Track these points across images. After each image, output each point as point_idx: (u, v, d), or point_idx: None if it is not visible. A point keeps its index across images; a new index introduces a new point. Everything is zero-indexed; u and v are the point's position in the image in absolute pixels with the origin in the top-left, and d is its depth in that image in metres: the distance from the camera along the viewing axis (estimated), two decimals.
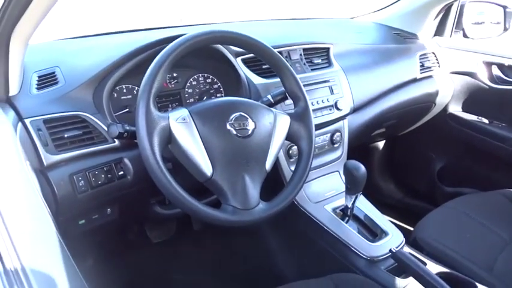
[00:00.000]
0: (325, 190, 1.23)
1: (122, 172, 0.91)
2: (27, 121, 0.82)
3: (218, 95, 1.16)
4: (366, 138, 1.62)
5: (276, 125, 0.91)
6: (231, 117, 0.85)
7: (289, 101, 1.04)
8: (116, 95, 1.00)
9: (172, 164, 0.87)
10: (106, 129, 0.90)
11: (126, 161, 0.92)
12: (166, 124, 0.80)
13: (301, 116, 0.96)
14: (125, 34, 1.21)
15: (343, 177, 1.26)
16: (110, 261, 1.29)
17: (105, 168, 0.89)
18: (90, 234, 0.99)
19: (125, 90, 1.01)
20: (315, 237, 1.15)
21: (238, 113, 0.86)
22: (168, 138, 0.80)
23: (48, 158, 0.82)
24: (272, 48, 0.94)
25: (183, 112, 0.83)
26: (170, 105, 1.08)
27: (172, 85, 1.09)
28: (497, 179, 1.53)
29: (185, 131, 0.81)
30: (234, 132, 0.85)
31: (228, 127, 0.85)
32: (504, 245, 1.12)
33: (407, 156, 1.88)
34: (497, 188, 1.34)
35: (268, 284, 0.98)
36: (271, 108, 0.94)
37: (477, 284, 0.95)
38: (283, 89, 1.01)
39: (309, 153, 0.95)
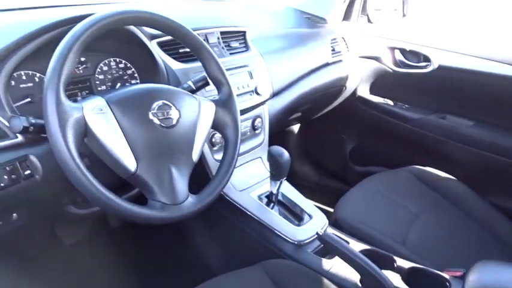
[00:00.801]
0: (249, 177, 1.22)
1: (28, 171, 0.80)
2: None
3: (133, 82, 1.08)
4: (284, 123, 1.65)
5: (200, 112, 0.87)
6: (154, 106, 0.80)
7: (210, 87, 1.01)
8: (13, 82, 0.87)
9: (89, 160, 0.79)
10: (6, 123, 0.79)
11: (33, 158, 0.81)
12: (80, 115, 0.72)
13: (225, 102, 0.93)
14: (24, 11, 1.06)
15: (266, 163, 1.27)
16: (24, 270, 1.16)
17: (7, 168, 0.78)
18: None
19: (24, 77, 0.89)
20: (241, 226, 1.15)
21: (161, 101, 0.80)
22: (84, 131, 0.72)
23: None
24: (191, 30, 0.90)
25: (100, 101, 0.75)
26: (80, 94, 0.98)
27: (81, 71, 0.99)
28: (402, 156, 1.65)
29: (103, 123, 0.74)
30: (158, 122, 0.79)
31: (151, 117, 0.79)
32: (413, 218, 1.22)
33: (321, 139, 1.95)
34: (403, 166, 1.45)
35: (197, 278, 0.95)
36: (195, 95, 0.90)
37: (394, 257, 1.02)
38: (204, 74, 0.97)
39: (235, 142, 0.93)
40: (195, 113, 0.86)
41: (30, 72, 0.90)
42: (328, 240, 1.00)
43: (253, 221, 1.12)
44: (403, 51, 1.63)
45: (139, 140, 0.77)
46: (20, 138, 0.80)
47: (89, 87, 1.00)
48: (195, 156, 0.85)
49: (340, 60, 1.62)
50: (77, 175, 0.68)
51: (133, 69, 1.08)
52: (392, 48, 1.64)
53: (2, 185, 0.77)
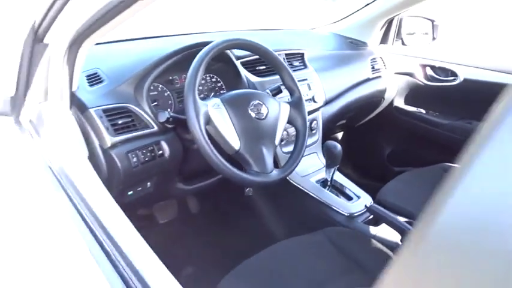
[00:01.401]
0: (308, 167, 1.53)
1: (160, 151, 1.15)
2: (91, 110, 1.04)
3: (222, 92, 1.43)
4: (332, 128, 1.96)
5: (280, 110, 1.20)
6: (251, 104, 1.13)
7: (280, 95, 1.34)
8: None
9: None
10: (147, 118, 1.14)
11: (163, 143, 1.16)
12: (206, 110, 1.06)
13: (296, 103, 1.25)
14: (151, 40, 1.44)
15: (320, 156, 1.58)
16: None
17: (149, 148, 1.13)
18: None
19: (152, 87, 1.25)
20: (303, 203, 1.45)
21: (256, 101, 1.14)
22: (207, 120, 1.06)
23: (110, 139, 1.05)
24: (274, 53, 1.24)
25: (217, 100, 1.09)
26: None
27: None
28: (434, 157, 1.92)
29: (219, 115, 1.08)
30: (253, 115, 1.12)
31: (249, 111, 1.12)
32: None
33: (362, 144, 2.25)
34: (435, 165, 1.72)
35: (264, 246, 1.24)
36: (275, 98, 1.23)
37: None
38: (277, 85, 1.31)
39: (304, 132, 1.24)
40: (277, 110, 1.18)
41: (155, 84, 1.26)
42: (375, 210, 1.30)
43: (313, 199, 1.42)
44: (433, 67, 1.92)
45: (241, 127, 1.10)
46: (155, 128, 1.15)
47: None
48: (276, 141, 1.17)
49: (379, 76, 1.93)
50: (207, 150, 1.01)
51: (221, 83, 1.43)
52: (424, 66, 1.94)
53: (146, 159, 1.12)
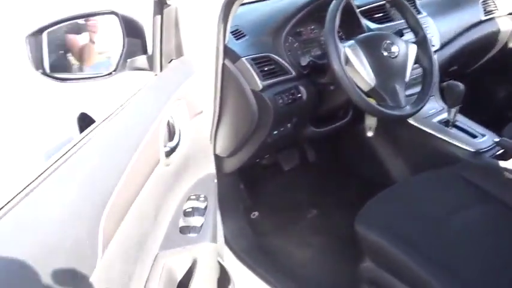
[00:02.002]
0: (427, 110, 1.59)
1: (299, 95, 1.29)
2: (243, 59, 1.20)
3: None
4: (443, 75, 1.97)
5: (408, 49, 1.27)
6: (383, 44, 1.22)
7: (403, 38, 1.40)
8: None
9: None
10: (286, 65, 1.28)
11: (300, 87, 1.30)
12: (343, 50, 1.17)
13: (422, 43, 1.31)
14: None
15: (438, 100, 1.63)
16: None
17: (291, 92, 1.27)
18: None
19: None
20: (425, 143, 1.52)
21: (387, 41, 1.23)
22: (345, 60, 1.17)
23: (261, 83, 1.21)
24: None
25: (352, 42, 1.20)
26: (312, 49, 1.45)
27: (312, 34, 1.46)
28: None
29: (356, 55, 1.18)
30: (386, 54, 1.21)
31: (382, 51, 1.21)
32: None
33: (474, 91, 2.22)
34: None
35: (382, 184, 1.31)
36: (402, 39, 1.30)
37: None
38: (398, 29, 1.38)
39: (431, 70, 1.31)
40: (406, 49, 1.26)
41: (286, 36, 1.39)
42: (506, 143, 1.33)
43: (436, 138, 1.48)
44: None
45: (376, 65, 1.19)
46: (293, 73, 1.29)
47: (317, 44, 1.46)
48: (407, 78, 1.25)
49: (492, 18, 1.89)
50: (348, 85, 1.13)
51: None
52: None
53: (289, 101, 1.26)
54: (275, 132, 1.31)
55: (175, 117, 0.95)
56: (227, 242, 1.41)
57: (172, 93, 0.96)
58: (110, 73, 1.00)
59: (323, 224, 1.71)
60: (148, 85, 0.99)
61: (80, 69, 1.05)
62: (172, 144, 0.93)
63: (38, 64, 0.93)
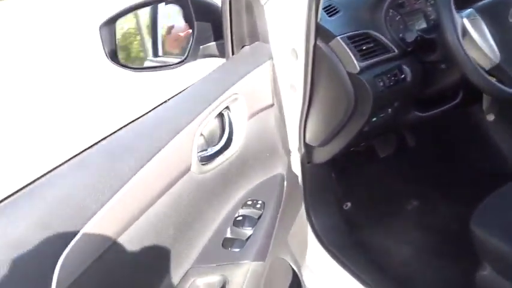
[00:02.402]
0: None
1: (403, 75, 1.12)
2: (338, 38, 1.07)
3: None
4: None
5: None
6: (510, 12, 1.01)
7: None
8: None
9: None
10: (387, 41, 1.11)
11: (404, 66, 1.13)
12: (461, 22, 0.98)
13: None
14: None
15: None
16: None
17: (393, 72, 1.11)
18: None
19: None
20: None
21: None
22: (462, 34, 0.99)
23: (359, 65, 1.06)
24: None
25: (471, 11, 1.01)
26: (416, 23, 1.26)
27: (416, 5, 1.27)
28: None
29: (476, 26, 0.99)
30: None
31: (510, 19, 1.00)
32: None
33: None
34: None
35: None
36: None
37: None
38: None
39: None
40: None
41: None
42: None
43: None
44: None
45: (501, 37, 0.99)
46: (396, 51, 1.12)
47: (422, 16, 1.27)
48: None
49: None
50: (465, 61, 0.95)
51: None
52: None
53: (391, 84, 1.10)
54: (374, 119, 1.16)
55: (232, 113, 0.86)
56: (318, 237, 1.31)
57: (229, 85, 0.86)
58: (182, 61, 0.95)
59: (426, 218, 1.53)
60: (206, 75, 0.90)
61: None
62: (219, 145, 0.84)
63: (112, 54, 0.90)
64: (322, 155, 1.29)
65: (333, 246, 1.32)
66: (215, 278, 0.76)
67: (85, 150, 0.66)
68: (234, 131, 0.85)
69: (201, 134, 0.78)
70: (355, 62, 1.06)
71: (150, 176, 0.65)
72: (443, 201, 1.55)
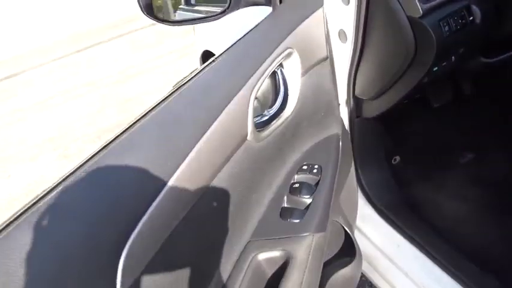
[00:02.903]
0: None
1: (471, 17, 0.98)
2: None
3: None
4: None
5: None
6: None
7: None
8: None
9: None
10: None
11: (474, 7, 0.98)
12: None
13: None
14: None
15: None
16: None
17: (460, 14, 0.97)
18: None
19: None
20: None
21: None
22: None
23: (421, 7, 0.93)
24: None
25: None
26: None
27: None
28: None
29: None
30: None
31: None
32: None
33: None
34: None
35: None
36: None
37: None
38: None
39: None
40: None
41: None
42: None
43: None
44: None
45: None
46: None
47: None
48: None
49: None
50: None
51: None
52: None
53: (458, 27, 0.97)
54: (435, 69, 1.03)
55: (285, 70, 0.76)
56: (366, 195, 1.24)
57: (281, 39, 0.76)
58: (224, 11, 0.85)
59: (482, 171, 1.43)
60: (256, 27, 0.79)
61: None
62: (275, 108, 0.76)
63: (148, 9, 0.81)
64: (372, 109, 1.18)
65: (382, 204, 1.25)
66: (277, 253, 0.71)
67: (132, 125, 0.59)
68: (289, 90, 0.77)
69: (256, 98, 0.70)
70: (418, 3, 0.92)
71: (207, 149, 0.59)
72: (501, 153, 1.44)
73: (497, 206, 1.29)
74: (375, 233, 1.21)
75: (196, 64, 1.90)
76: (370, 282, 1.44)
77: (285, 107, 0.77)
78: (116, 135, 0.57)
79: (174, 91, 0.66)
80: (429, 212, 1.32)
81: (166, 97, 0.65)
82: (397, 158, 1.46)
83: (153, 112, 0.61)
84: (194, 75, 0.72)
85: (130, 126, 0.60)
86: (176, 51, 4.55)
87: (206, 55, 1.72)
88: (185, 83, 0.67)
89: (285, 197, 0.79)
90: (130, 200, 0.51)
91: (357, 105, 1.13)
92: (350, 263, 0.93)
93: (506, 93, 1.52)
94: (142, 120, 0.61)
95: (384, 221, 1.20)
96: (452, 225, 1.28)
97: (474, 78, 1.53)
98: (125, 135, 0.57)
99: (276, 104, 0.77)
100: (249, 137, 0.69)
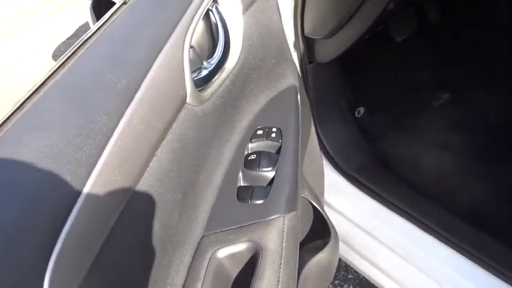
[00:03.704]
0: None
1: None
2: None
3: None
4: None
5: None
6: None
7: None
8: None
9: None
10: None
11: None
12: None
13: None
14: None
15: None
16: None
17: None
18: None
19: None
20: None
21: None
22: None
23: None
24: None
25: None
26: None
27: None
28: None
29: None
30: None
31: None
32: None
33: None
34: None
35: None
36: None
37: None
38: None
39: None
40: None
41: None
42: None
43: None
44: None
45: None
46: None
47: None
48: None
49: None
50: None
51: None
52: None
53: None
54: None
55: (221, 7, 0.75)
56: (328, 158, 1.26)
57: None
58: None
59: (460, 114, 1.50)
60: None
61: None
62: (216, 57, 0.74)
63: None
64: (327, 51, 1.17)
65: (351, 168, 1.26)
66: (242, 246, 0.68)
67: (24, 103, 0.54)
68: (229, 33, 0.74)
69: (191, 47, 0.66)
70: None
71: (136, 123, 0.55)
72: (479, 89, 1.51)
73: (485, 154, 1.35)
74: (347, 205, 1.22)
75: (86, 18, 1.79)
76: (346, 264, 1.50)
77: (227, 55, 0.74)
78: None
79: (77, 48, 0.61)
80: (408, 170, 1.35)
81: (68, 58, 0.60)
82: (361, 109, 1.49)
83: (49, 84, 0.56)
84: (99, 28, 0.68)
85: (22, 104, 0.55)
86: (49, 3, 4.28)
87: (99, 3, 1.63)
88: (88, 37, 0.62)
89: (240, 174, 0.76)
90: (45, 202, 0.47)
91: (308, 47, 1.11)
92: (324, 246, 0.93)
93: (476, 14, 1.59)
94: (35, 97, 0.56)
95: (356, 189, 1.20)
96: (436, 182, 1.32)
97: (439, 1, 1.59)
98: (18, 115, 0.52)
99: (216, 54, 0.74)
100: (188, 99, 0.65)
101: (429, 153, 1.39)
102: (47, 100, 0.55)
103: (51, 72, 0.57)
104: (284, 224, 0.69)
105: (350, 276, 1.54)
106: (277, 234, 0.68)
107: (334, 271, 0.98)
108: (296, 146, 0.81)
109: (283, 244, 0.67)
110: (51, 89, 0.56)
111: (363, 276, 1.45)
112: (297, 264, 0.73)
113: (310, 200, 0.96)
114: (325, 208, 1.22)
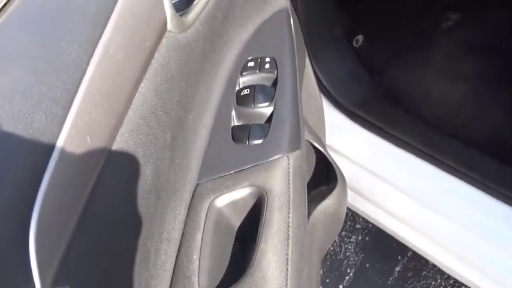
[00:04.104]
0: None
1: None
2: None
3: None
4: None
5: None
6: None
7: None
8: None
9: None
10: None
11: None
12: None
13: None
14: None
15: None
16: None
17: None
18: None
19: None
20: None
21: None
22: None
23: None
24: None
25: None
26: None
27: None
28: None
29: None
30: None
31: None
32: None
33: None
34: None
35: None
36: None
37: None
38: None
39: None
40: None
41: None
42: None
43: None
44: None
45: None
46: None
47: None
48: None
49: None
50: None
51: None
52: None
53: None
54: None
55: None
56: (327, 94, 1.24)
57: None
58: None
59: (473, 36, 1.48)
60: None
61: None
62: None
63: None
64: None
65: (352, 103, 1.25)
66: (243, 192, 0.68)
67: None
68: None
69: None
70: None
71: (110, 57, 0.53)
72: (491, 8, 1.49)
73: (501, 80, 1.35)
74: (350, 146, 1.21)
75: None
76: (353, 213, 1.51)
77: None
78: None
79: None
80: (416, 101, 1.33)
81: None
82: (360, 37, 1.46)
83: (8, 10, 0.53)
84: None
85: None
86: None
87: None
88: None
89: (233, 112, 0.76)
90: (18, 147, 0.46)
91: None
92: (330, 192, 0.93)
93: None
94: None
95: (359, 126, 1.19)
96: (448, 113, 1.32)
97: None
98: None
99: None
100: (169, 26, 0.63)
101: (440, 82, 1.38)
102: (7, 27, 0.52)
103: None
104: (289, 165, 0.68)
105: (358, 226, 1.55)
106: (282, 176, 0.67)
107: (344, 218, 0.98)
108: (294, 76, 0.80)
109: (290, 187, 0.66)
110: (11, 14, 0.53)
111: (372, 225, 1.46)
112: (307, 209, 0.72)
113: (312, 141, 0.95)
114: (330, 146, 1.21)
